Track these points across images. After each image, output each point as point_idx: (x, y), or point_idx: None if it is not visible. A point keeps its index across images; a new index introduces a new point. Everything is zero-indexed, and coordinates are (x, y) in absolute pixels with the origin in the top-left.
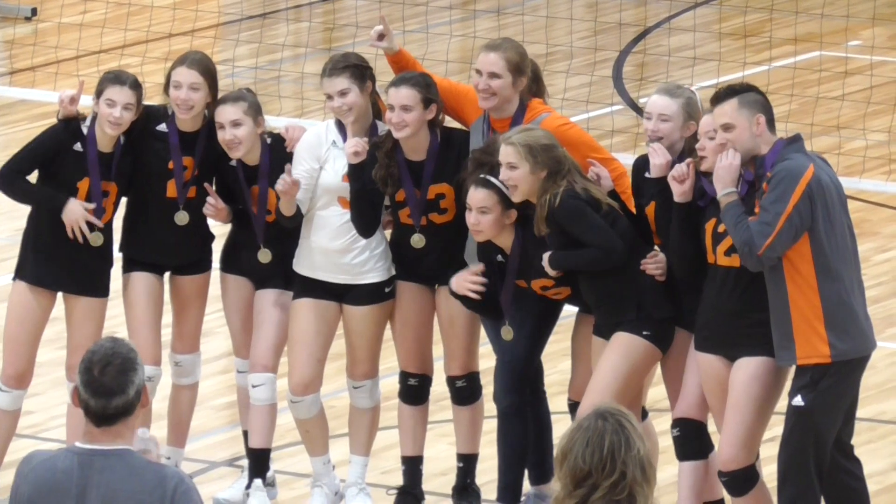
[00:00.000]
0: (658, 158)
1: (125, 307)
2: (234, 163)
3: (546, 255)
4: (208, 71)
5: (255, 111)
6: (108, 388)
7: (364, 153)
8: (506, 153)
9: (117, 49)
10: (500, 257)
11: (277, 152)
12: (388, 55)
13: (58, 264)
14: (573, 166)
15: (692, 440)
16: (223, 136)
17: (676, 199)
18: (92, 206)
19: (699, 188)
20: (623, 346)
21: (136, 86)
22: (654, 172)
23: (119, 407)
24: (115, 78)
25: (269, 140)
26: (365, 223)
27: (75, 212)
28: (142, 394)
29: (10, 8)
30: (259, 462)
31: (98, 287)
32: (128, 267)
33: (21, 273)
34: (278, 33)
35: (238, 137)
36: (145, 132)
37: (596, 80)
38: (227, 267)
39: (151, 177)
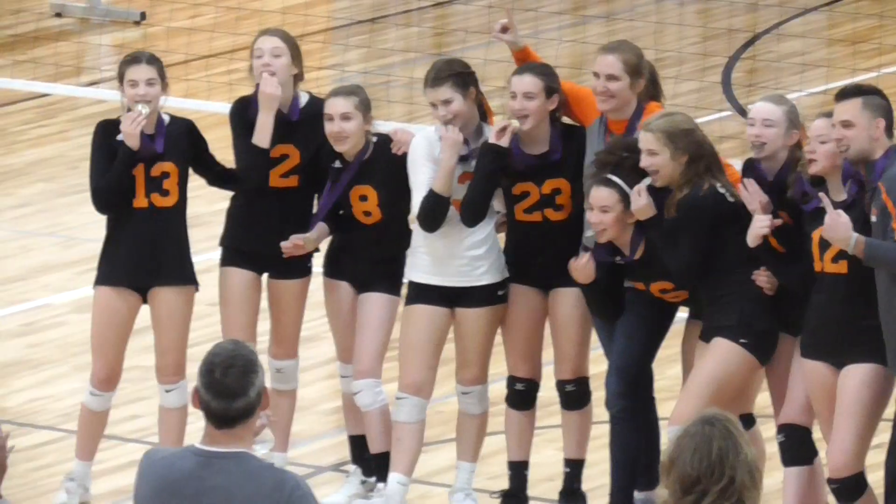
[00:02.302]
0: (753, 204)
1: (220, 304)
2: (338, 164)
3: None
4: (289, 39)
5: (366, 107)
6: (230, 390)
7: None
8: (645, 140)
9: (227, 53)
10: (619, 259)
11: (383, 153)
12: (514, 51)
13: None
14: (713, 153)
15: (798, 446)
16: (331, 127)
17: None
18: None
19: (803, 194)
20: (719, 353)
21: (154, 60)
22: (753, 214)
23: (241, 409)
24: (132, 59)
25: (374, 139)
26: (479, 208)
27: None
28: (262, 395)
29: (119, 12)
30: (382, 466)
31: None
32: (226, 260)
33: None
34: (388, 38)
35: (346, 131)
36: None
37: (705, 85)
38: (330, 272)
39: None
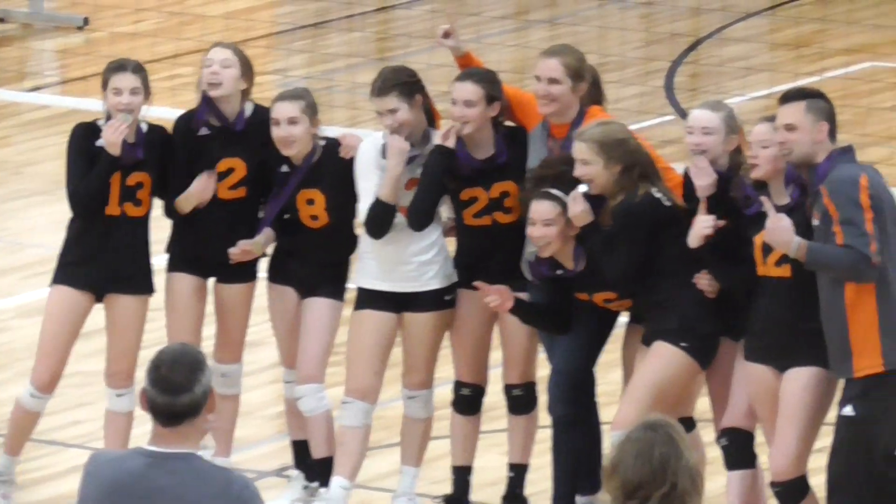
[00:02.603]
0: (704, 179)
1: (166, 309)
2: (285, 168)
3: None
4: (241, 54)
5: (312, 111)
6: (176, 384)
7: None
8: (579, 149)
9: (170, 59)
10: (559, 271)
11: (331, 156)
12: (456, 57)
13: None
14: (648, 161)
15: (741, 449)
16: (278, 132)
17: (699, 194)
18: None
19: (746, 198)
20: (659, 356)
21: (139, 69)
22: (700, 193)
23: (186, 405)
24: (118, 67)
25: (322, 142)
26: (426, 212)
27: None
28: (209, 396)
29: (62, 17)
30: (325, 470)
31: None
32: (172, 265)
33: None
34: (331, 43)
35: (293, 135)
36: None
37: (648, 90)
38: (275, 277)
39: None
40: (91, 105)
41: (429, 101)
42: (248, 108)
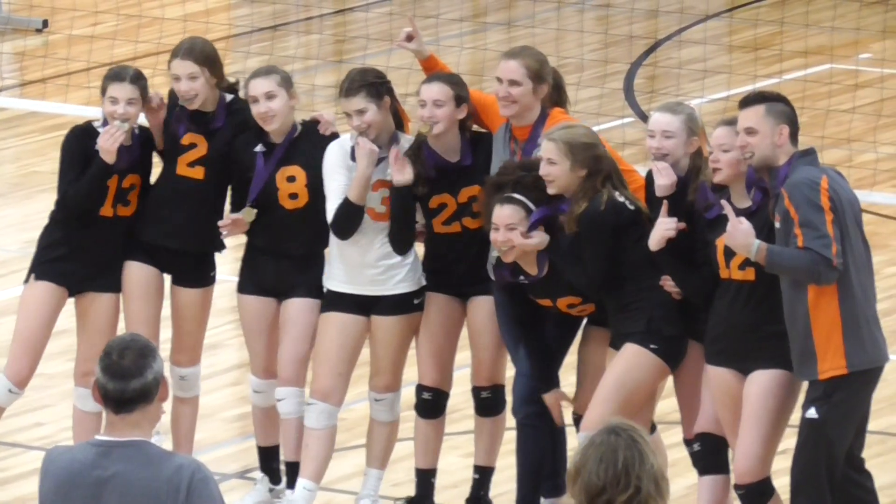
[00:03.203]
0: (664, 179)
1: (123, 298)
2: (259, 148)
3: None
4: (203, 56)
5: (287, 83)
6: (126, 370)
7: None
8: (546, 149)
9: (128, 61)
10: (522, 278)
11: (311, 133)
12: (420, 60)
13: None
14: (613, 168)
15: (713, 455)
16: (257, 109)
17: (658, 193)
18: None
19: (705, 200)
20: (628, 358)
21: (138, 79)
22: (659, 193)
23: (137, 390)
24: (116, 75)
25: (300, 125)
26: (406, 238)
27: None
28: (161, 384)
29: (20, 20)
30: (295, 474)
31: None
32: (129, 254)
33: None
34: (289, 45)
35: (273, 109)
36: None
37: (606, 92)
38: (245, 287)
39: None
40: (49, 108)
41: (397, 104)
42: (227, 99)
